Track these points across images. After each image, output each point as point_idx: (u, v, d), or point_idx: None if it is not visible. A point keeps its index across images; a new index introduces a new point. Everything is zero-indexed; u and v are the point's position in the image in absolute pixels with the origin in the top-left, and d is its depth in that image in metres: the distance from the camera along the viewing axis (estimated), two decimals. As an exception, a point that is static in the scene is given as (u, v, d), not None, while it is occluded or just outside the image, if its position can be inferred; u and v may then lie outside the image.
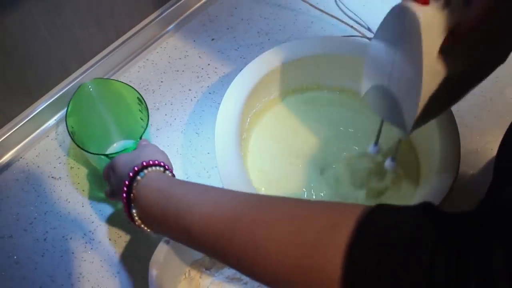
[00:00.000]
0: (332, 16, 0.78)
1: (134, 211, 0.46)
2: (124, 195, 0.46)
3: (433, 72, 0.42)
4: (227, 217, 0.38)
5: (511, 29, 0.45)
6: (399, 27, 0.42)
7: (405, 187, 0.60)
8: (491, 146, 0.67)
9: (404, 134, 0.49)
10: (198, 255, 0.54)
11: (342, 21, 0.77)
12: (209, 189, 0.43)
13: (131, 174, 0.46)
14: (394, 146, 0.57)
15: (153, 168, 0.47)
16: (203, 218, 0.40)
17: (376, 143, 0.57)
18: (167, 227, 0.43)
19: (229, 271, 0.54)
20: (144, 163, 0.47)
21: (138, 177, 0.46)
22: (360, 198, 0.60)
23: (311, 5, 0.79)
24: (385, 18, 0.44)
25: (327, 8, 0.79)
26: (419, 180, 0.60)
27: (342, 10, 0.79)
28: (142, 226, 0.46)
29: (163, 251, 0.49)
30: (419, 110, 0.44)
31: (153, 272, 0.48)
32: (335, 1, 0.80)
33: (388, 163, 0.56)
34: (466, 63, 0.45)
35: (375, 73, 0.48)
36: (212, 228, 0.39)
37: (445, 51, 0.42)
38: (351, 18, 0.78)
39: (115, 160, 0.50)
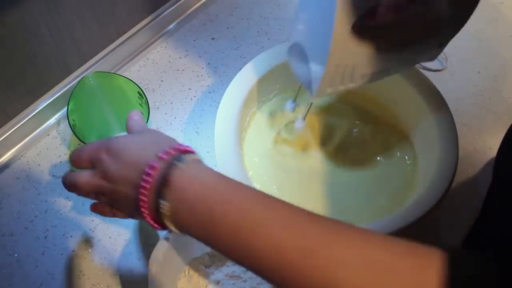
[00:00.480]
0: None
1: (164, 203, 0.38)
2: (150, 179, 0.38)
3: (342, 40, 0.43)
4: (300, 247, 0.34)
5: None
6: None
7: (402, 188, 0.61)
8: (489, 145, 0.67)
9: (312, 96, 0.50)
10: (197, 253, 0.54)
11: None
12: (275, 204, 0.37)
13: (164, 156, 0.38)
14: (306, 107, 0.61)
15: (192, 155, 0.40)
16: (270, 240, 0.34)
17: (294, 100, 0.61)
18: (212, 233, 0.37)
19: (228, 269, 0.54)
20: (181, 148, 0.40)
21: (179, 163, 0.38)
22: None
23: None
24: None
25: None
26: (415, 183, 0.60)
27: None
28: (168, 224, 0.39)
29: (162, 249, 0.49)
30: (324, 75, 0.46)
31: (153, 269, 0.48)
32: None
33: (298, 122, 0.60)
34: (382, 42, 0.46)
35: (297, 30, 0.50)
36: (280, 256, 0.34)
37: (363, 27, 0.42)
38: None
39: (115, 141, 0.41)
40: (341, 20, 0.41)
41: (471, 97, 0.72)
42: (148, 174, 0.38)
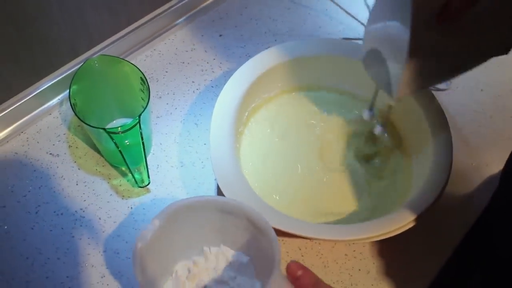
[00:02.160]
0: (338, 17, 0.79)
1: None
2: None
3: (420, 42, 0.44)
4: None
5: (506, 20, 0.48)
6: None
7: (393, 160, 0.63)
8: (486, 162, 0.67)
9: (392, 99, 0.51)
10: (185, 257, 0.53)
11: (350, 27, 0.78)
12: None
13: None
14: (384, 113, 0.60)
15: None
16: None
17: (371, 109, 0.60)
18: None
19: (216, 275, 0.52)
20: None
21: None
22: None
23: (320, 5, 0.80)
24: None
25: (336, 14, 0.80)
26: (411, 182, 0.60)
27: (352, 15, 0.80)
28: None
29: (151, 230, 0.48)
30: (404, 76, 0.46)
31: (138, 245, 0.47)
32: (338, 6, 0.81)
33: (378, 129, 0.60)
34: (457, 42, 0.47)
35: (372, 36, 0.51)
36: None
37: (436, 25, 0.44)
38: (360, 22, 0.79)
39: None
40: (417, 19, 0.43)
41: (472, 113, 0.72)
42: None
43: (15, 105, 0.64)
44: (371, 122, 0.62)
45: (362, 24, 0.79)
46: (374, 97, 0.59)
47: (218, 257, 0.52)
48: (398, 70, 0.47)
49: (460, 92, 0.74)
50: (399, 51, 0.46)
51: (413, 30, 0.43)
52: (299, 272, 0.43)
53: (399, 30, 0.45)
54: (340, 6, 0.80)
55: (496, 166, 0.66)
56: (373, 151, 0.63)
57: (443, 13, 0.43)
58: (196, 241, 0.52)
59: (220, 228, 0.51)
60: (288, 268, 0.43)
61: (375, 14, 0.50)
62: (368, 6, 0.78)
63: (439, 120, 0.60)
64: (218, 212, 0.50)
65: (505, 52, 0.52)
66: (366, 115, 0.61)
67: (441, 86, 0.73)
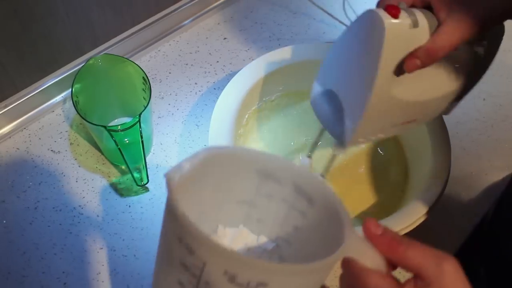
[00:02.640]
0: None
1: None
2: None
3: (384, 90, 0.42)
4: None
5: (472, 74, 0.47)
6: (365, 33, 0.42)
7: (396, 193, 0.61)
8: (486, 171, 0.67)
9: (340, 149, 0.48)
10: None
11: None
12: None
13: None
14: (327, 162, 0.54)
15: None
16: None
17: (309, 156, 0.54)
18: None
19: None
20: None
21: None
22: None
23: (325, 11, 0.81)
24: (353, 22, 0.43)
25: (341, 18, 0.80)
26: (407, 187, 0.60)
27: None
28: None
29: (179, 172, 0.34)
30: (360, 125, 0.43)
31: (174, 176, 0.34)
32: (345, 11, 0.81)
33: (303, 160, 0.57)
34: (424, 92, 0.45)
35: (329, 76, 0.48)
36: None
37: (400, 73, 0.42)
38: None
39: None
40: (386, 64, 0.41)
41: (473, 122, 0.72)
42: None
43: (19, 101, 0.64)
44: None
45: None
46: (316, 141, 0.54)
47: (235, 240, 0.42)
48: (355, 119, 0.43)
49: (461, 101, 0.73)
50: (357, 101, 0.43)
51: (379, 79, 0.41)
52: (379, 230, 0.36)
53: (364, 71, 0.42)
54: (338, 20, 0.81)
55: (496, 175, 0.66)
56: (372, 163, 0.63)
57: (401, 67, 0.42)
58: (218, 208, 0.41)
59: (252, 198, 0.41)
60: (364, 225, 0.36)
61: (337, 50, 0.46)
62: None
63: (438, 128, 0.60)
64: (256, 174, 0.39)
65: (443, 114, 0.52)
66: (302, 161, 0.58)
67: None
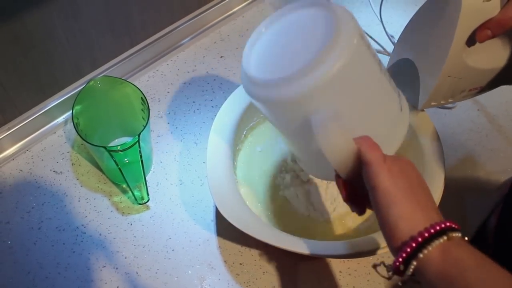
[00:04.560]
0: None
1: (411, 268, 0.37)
2: (408, 249, 0.36)
3: (458, 57, 0.48)
4: None
5: None
6: (441, 6, 0.48)
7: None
8: (481, 181, 0.68)
9: (416, 109, 0.55)
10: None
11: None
12: None
13: (426, 234, 0.36)
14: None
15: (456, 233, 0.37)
16: None
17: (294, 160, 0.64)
18: None
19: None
20: (444, 225, 0.37)
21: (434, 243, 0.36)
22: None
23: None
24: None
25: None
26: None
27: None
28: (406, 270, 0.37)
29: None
30: (435, 88, 0.51)
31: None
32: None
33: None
34: (491, 61, 0.51)
35: (406, 46, 0.55)
36: None
37: (473, 43, 0.48)
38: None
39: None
40: (460, 33, 0.47)
41: (468, 133, 0.73)
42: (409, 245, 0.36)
43: (21, 124, 0.66)
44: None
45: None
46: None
47: None
48: (431, 82, 0.50)
49: (456, 112, 0.75)
50: (433, 64, 0.49)
51: (453, 46, 0.47)
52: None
53: (440, 40, 0.48)
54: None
55: (491, 185, 0.67)
56: None
57: (473, 37, 0.48)
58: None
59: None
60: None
61: (414, 25, 0.54)
62: (389, 36, 0.81)
63: (432, 139, 0.61)
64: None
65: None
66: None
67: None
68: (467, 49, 0.49)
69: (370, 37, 0.80)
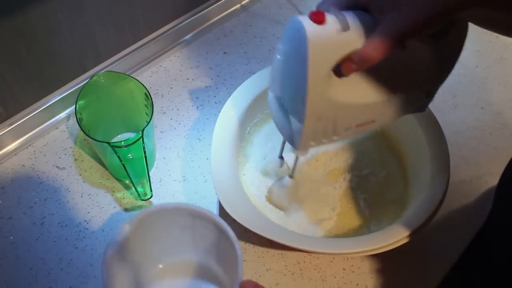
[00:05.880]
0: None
1: None
2: None
3: (319, 93, 0.41)
4: None
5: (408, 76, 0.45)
6: (293, 40, 0.41)
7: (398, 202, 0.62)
8: (485, 179, 0.68)
9: (296, 152, 0.49)
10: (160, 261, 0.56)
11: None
12: None
13: None
14: (292, 163, 0.58)
15: None
16: None
17: (280, 156, 0.60)
18: None
19: None
20: None
21: None
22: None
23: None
24: (286, 28, 0.42)
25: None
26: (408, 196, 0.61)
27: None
28: None
29: (121, 235, 0.50)
30: (304, 129, 0.43)
31: (108, 252, 0.49)
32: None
33: (285, 179, 0.60)
34: (360, 93, 0.44)
35: (274, 82, 0.47)
36: None
37: (338, 75, 0.41)
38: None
39: None
40: (315, 70, 0.40)
41: (472, 130, 0.72)
42: None
43: (24, 119, 0.66)
44: (281, 169, 0.62)
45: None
46: (282, 145, 0.57)
47: None
48: (298, 122, 0.44)
49: (460, 110, 0.75)
50: (298, 103, 0.43)
51: (310, 85, 0.40)
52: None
53: (298, 79, 0.41)
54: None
55: (495, 183, 0.67)
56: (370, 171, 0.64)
57: (344, 65, 0.40)
58: (170, 244, 0.55)
59: (192, 228, 0.54)
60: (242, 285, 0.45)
61: (279, 55, 0.45)
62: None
63: (437, 136, 0.61)
64: (189, 216, 0.52)
65: (416, 111, 0.50)
66: (276, 164, 0.61)
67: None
68: (335, 83, 0.41)
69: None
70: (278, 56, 0.45)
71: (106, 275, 0.47)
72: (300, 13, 0.85)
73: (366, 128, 0.47)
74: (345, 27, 0.39)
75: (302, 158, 0.63)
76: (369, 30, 0.39)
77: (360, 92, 0.44)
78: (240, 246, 0.48)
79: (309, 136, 0.45)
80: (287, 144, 0.53)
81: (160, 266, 0.56)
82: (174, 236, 0.54)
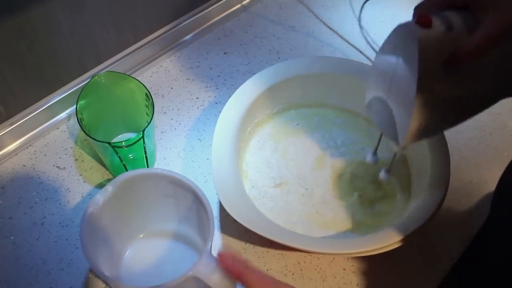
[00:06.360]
0: (345, 40, 0.81)
1: None
2: None
3: (428, 93, 0.43)
4: None
5: None
6: (401, 45, 0.44)
7: (399, 201, 0.62)
8: (485, 180, 0.68)
9: (398, 148, 0.50)
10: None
11: (353, 46, 0.80)
12: None
13: None
14: (390, 159, 0.58)
15: None
16: None
17: (375, 153, 0.59)
18: None
19: None
20: None
21: None
22: (354, 201, 0.62)
23: (324, 23, 0.82)
24: (390, 35, 0.46)
25: (344, 34, 0.82)
26: (410, 195, 0.61)
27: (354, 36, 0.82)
28: None
29: (103, 196, 0.51)
30: (411, 127, 0.45)
31: (89, 209, 0.50)
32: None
33: (382, 174, 0.58)
34: (466, 88, 0.46)
35: (377, 85, 0.50)
36: None
37: (444, 74, 0.43)
38: (369, 44, 0.80)
39: None
40: (425, 70, 0.42)
41: (471, 131, 0.73)
42: None
43: (24, 119, 0.66)
44: (373, 165, 0.61)
45: (359, 50, 0.81)
46: (378, 141, 0.58)
47: None
48: (405, 119, 0.46)
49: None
50: (406, 101, 0.45)
51: (421, 79, 0.42)
52: (230, 261, 0.44)
53: (406, 79, 0.44)
54: (337, 33, 0.82)
55: (495, 183, 0.67)
56: (378, 195, 0.63)
57: (451, 60, 0.42)
58: (157, 211, 0.57)
59: (175, 197, 0.55)
60: (219, 256, 0.45)
61: (379, 61, 0.49)
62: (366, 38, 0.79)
63: (437, 138, 0.61)
64: (171, 183, 0.54)
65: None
66: (369, 158, 0.60)
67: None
68: (440, 82, 0.44)
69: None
70: (381, 59, 0.48)
71: (85, 232, 0.48)
72: (308, 9, 0.85)
73: (460, 122, 0.50)
74: (450, 27, 0.42)
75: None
76: (471, 28, 0.42)
77: (464, 88, 0.45)
78: (212, 211, 0.50)
79: (415, 134, 0.47)
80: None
81: (141, 235, 0.59)
82: (159, 204, 0.56)
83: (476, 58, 0.42)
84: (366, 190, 0.62)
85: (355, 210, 0.61)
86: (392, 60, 0.46)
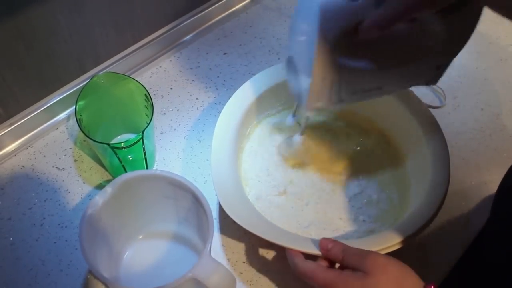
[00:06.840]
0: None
1: None
2: None
3: (327, 55, 0.45)
4: None
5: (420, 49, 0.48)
6: (308, 7, 0.46)
7: (399, 201, 0.62)
8: (485, 181, 0.68)
9: (304, 108, 0.52)
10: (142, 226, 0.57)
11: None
12: None
13: None
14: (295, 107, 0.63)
15: None
16: None
17: (293, 114, 0.64)
18: None
19: None
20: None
21: None
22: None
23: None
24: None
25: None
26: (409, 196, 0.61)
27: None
28: None
29: (102, 197, 0.51)
30: (311, 89, 0.47)
31: (88, 211, 0.49)
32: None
33: (289, 118, 0.64)
34: (371, 64, 0.47)
35: (291, 44, 0.52)
36: None
37: (348, 41, 0.44)
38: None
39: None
40: (325, 33, 0.43)
41: (471, 132, 0.72)
42: None
43: (23, 119, 0.65)
44: (293, 127, 0.65)
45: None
46: (296, 104, 0.62)
47: None
48: (307, 81, 0.48)
49: (460, 111, 0.75)
50: (308, 63, 0.46)
51: (319, 47, 0.44)
52: (330, 245, 0.49)
53: (309, 44, 0.45)
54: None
55: (495, 185, 0.66)
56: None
57: (354, 33, 0.43)
58: (157, 212, 0.57)
59: (174, 198, 0.55)
60: (320, 243, 0.50)
61: (296, 24, 0.50)
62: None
63: (437, 137, 0.61)
64: (170, 184, 0.53)
65: (426, 84, 0.52)
66: (289, 120, 0.64)
67: (434, 103, 0.74)
68: (342, 48, 0.45)
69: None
70: (294, 19, 0.50)
71: (85, 233, 0.48)
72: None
73: (372, 95, 0.51)
74: None
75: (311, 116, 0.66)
76: (378, 2, 0.42)
77: (367, 59, 0.47)
78: (212, 213, 0.50)
79: (315, 96, 0.48)
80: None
81: (140, 236, 0.59)
82: (158, 205, 0.56)
83: (376, 33, 0.42)
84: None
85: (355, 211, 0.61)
86: (301, 22, 0.48)
